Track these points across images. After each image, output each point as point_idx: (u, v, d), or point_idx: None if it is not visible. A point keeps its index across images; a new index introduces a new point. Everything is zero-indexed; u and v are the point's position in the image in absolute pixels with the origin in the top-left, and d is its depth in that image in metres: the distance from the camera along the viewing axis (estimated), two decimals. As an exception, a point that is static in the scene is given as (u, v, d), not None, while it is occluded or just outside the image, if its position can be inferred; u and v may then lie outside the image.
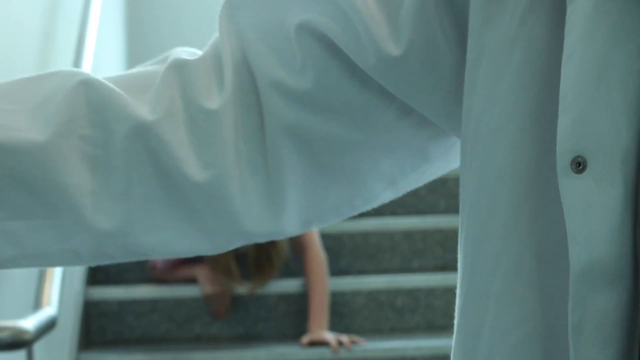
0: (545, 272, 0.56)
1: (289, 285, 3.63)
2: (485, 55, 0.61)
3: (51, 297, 2.55)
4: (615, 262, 0.51)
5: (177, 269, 3.64)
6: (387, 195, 0.77)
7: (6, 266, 0.72)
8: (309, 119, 0.71)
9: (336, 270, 3.71)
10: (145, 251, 0.74)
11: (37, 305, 2.53)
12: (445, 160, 0.76)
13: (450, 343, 0.65)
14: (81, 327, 3.54)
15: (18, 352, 2.34)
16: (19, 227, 0.70)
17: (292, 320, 3.63)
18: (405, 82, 0.68)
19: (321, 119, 0.71)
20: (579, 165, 0.52)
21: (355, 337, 3.42)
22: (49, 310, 2.48)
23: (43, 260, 0.72)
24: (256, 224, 0.72)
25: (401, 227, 3.87)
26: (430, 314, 3.68)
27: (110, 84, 0.72)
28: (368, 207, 0.78)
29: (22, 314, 2.39)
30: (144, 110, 0.71)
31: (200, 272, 3.56)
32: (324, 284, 3.49)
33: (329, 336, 3.38)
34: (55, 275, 2.63)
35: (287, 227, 0.75)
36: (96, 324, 3.62)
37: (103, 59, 4.15)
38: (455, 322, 0.63)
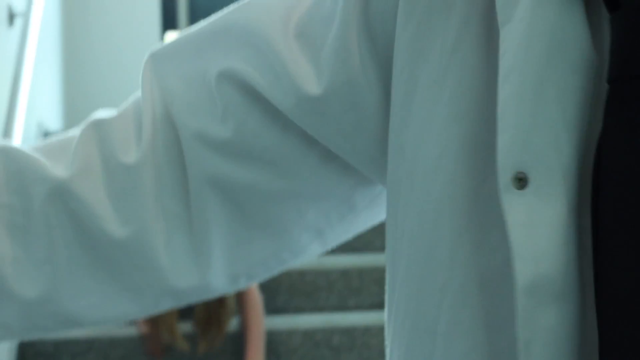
0: (491, 299, 0.56)
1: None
2: (418, 90, 0.60)
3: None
4: (561, 277, 0.51)
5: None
6: (314, 248, 0.76)
7: None
8: (232, 169, 0.70)
9: (272, 308, 3.70)
10: (75, 318, 0.72)
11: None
12: (372, 211, 0.76)
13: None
14: (14, 368, 3.49)
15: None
16: None
17: (229, 359, 3.61)
18: (326, 124, 0.67)
19: (243, 168, 0.70)
20: (520, 181, 0.51)
21: (291, 376, 3.41)
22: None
23: None
24: (182, 279, 0.71)
25: (337, 265, 3.88)
26: (366, 353, 3.68)
27: (27, 150, 0.71)
28: (296, 261, 0.77)
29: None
30: (60, 170, 0.71)
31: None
32: (260, 322, 3.48)
33: (265, 375, 3.36)
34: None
35: (215, 282, 0.73)
36: (30, 365, 3.57)
37: (39, 101, 4.11)
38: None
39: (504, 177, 0.52)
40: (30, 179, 0.70)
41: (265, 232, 0.73)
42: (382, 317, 3.68)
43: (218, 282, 0.74)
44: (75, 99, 5.31)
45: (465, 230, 0.57)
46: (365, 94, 0.66)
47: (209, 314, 3.47)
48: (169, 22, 3.91)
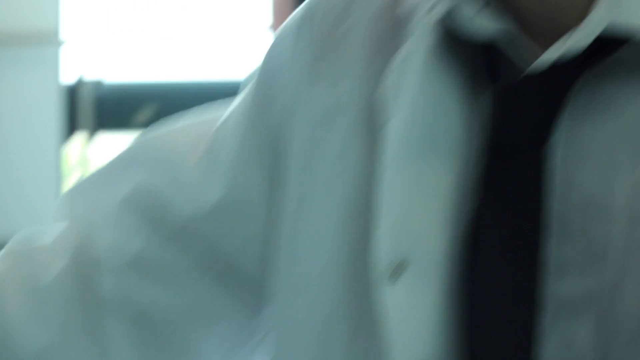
0: None
1: None
2: (309, 197, 0.62)
3: None
4: None
5: None
6: None
7: None
8: (137, 290, 0.70)
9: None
10: None
11: None
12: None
13: None
14: None
15: None
16: None
17: None
18: (220, 236, 0.68)
19: (147, 288, 0.70)
20: (396, 270, 0.53)
21: None
22: None
23: None
24: None
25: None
26: None
27: None
28: None
29: None
30: None
31: None
32: None
33: None
34: None
35: None
36: None
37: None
38: None
39: (379, 268, 0.54)
40: None
41: (171, 354, 0.72)
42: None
43: None
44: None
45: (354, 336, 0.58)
46: (259, 205, 0.67)
47: None
48: (73, 125, 3.83)
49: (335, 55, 0.64)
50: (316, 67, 0.64)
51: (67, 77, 3.46)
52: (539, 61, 0.54)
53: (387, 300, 0.53)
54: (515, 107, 0.54)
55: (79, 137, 3.52)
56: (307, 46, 0.65)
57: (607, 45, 0.53)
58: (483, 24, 0.55)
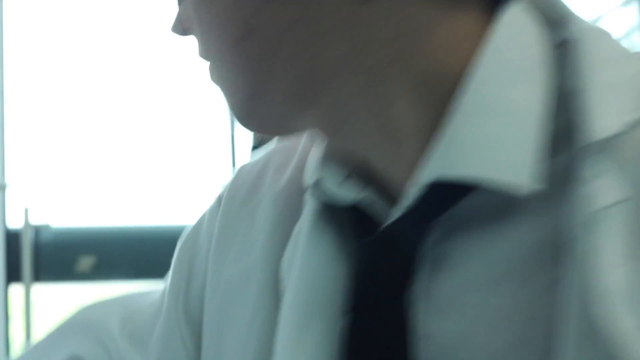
0: None
1: None
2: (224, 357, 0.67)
3: None
4: None
5: None
6: None
7: None
8: None
9: None
10: None
11: None
12: None
13: None
14: None
15: None
16: None
17: None
18: None
19: None
20: None
21: None
22: None
23: None
24: None
25: None
26: None
27: None
28: None
29: None
30: None
31: None
32: None
33: None
34: None
35: None
36: None
37: None
38: None
39: None
40: None
41: None
42: None
43: None
44: None
45: None
46: None
47: None
48: (12, 274, 3.72)
49: (245, 226, 0.70)
50: (226, 240, 0.70)
51: (11, 222, 3.38)
52: (390, 218, 0.57)
53: None
54: (374, 261, 0.57)
55: (19, 287, 3.37)
56: (219, 221, 0.72)
57: (461, 195, 0.55)
58: (344, 193, 0.60)
